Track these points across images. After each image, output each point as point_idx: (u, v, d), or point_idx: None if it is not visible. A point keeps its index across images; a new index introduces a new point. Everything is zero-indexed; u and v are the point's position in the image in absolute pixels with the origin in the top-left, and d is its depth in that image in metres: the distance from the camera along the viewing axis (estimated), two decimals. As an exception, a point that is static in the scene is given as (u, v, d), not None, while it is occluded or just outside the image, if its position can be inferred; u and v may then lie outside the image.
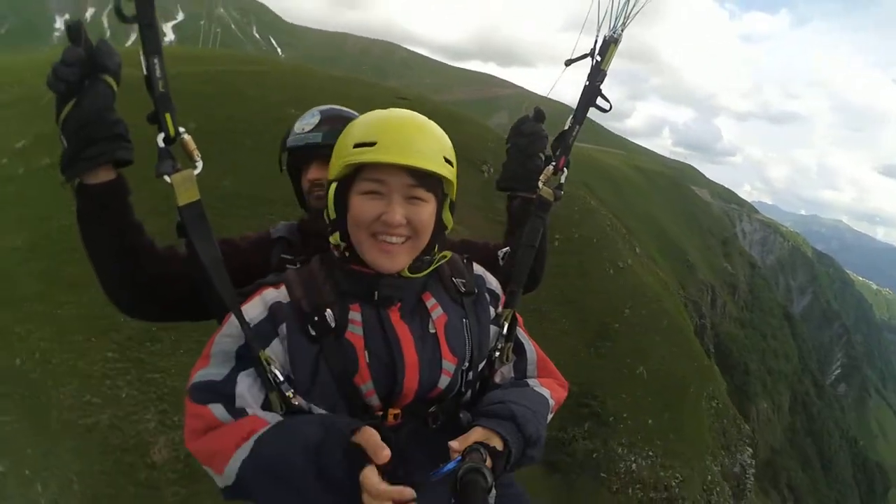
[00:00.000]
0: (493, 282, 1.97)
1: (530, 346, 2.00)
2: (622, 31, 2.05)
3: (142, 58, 1.55)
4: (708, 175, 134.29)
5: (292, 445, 1.41)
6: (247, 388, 1.56)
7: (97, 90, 1.58)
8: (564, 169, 2.15)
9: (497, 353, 1.89)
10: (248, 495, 1.53)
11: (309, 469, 1.39)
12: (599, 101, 2.11)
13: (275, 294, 1.67)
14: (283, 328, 1.62)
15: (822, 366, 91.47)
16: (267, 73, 23.60)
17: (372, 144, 1.60)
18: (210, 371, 1.58)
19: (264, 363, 1.56)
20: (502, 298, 1.97)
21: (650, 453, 16.36)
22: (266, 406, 1.57)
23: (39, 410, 10.32)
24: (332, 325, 1.62)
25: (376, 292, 1.68)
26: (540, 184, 2.13)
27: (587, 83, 2.10)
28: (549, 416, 1.87)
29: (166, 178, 1.61)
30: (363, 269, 1.70)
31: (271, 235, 2.23)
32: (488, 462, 1.51)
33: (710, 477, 16.91)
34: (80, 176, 1.64)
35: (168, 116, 1.60)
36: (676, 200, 67.05)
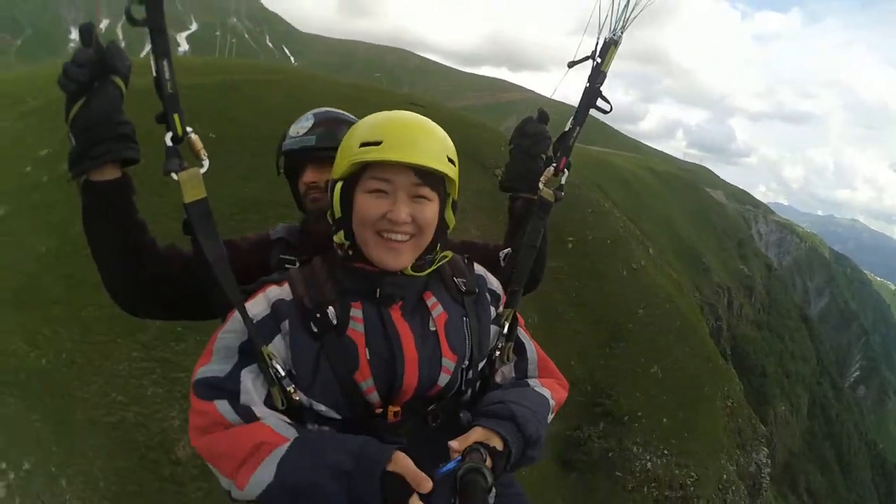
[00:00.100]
0: (493, 282, 1.99)
1: (531, 346, 2.02)
2: (622, 33, 2.09)
3: (151, 60, 1.60)
4: (723, 176, 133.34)
5: (321, 470, 1.42)
6: (251, 383, 1.58)
7: (106, 91, 1.64)
8: (565, 170, 2.18)
9: (497, 353, 1.91)
10: None
11: (341, 497, 1.40)
12: (600, 102, 2.14)
13: (278, 291, 1.70)
14: (285, 324, 1.65)
15: (840, 368, 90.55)
16: (283, 82, 23.84)
17: (378, 143, 1.64)
18: (213, 367, 1.60)
19: (266, 358, 1.58)
20: (503, 298, 1.99)
21: (665, 452, 16.37)
22: (268, 401, 1.60)
23: (65, 409, 10.48)
24: (334, 322, 1.64)
25: (378, 290, 1.71)
26: (541, 185, 2.15)
27: (587, 85, 2.13)
28: (550, 417, 1.88)
29: (173, 175, 1.65)
30: (366, 267, 1.73)
31: (271, 237, 2.26)
32: (488, 462, 1.53)
33: (725, 476, 16.89)
34: (87, 173, 1.70)
35: (176, 117, 1.64)
36: (691, 202, 66.66)
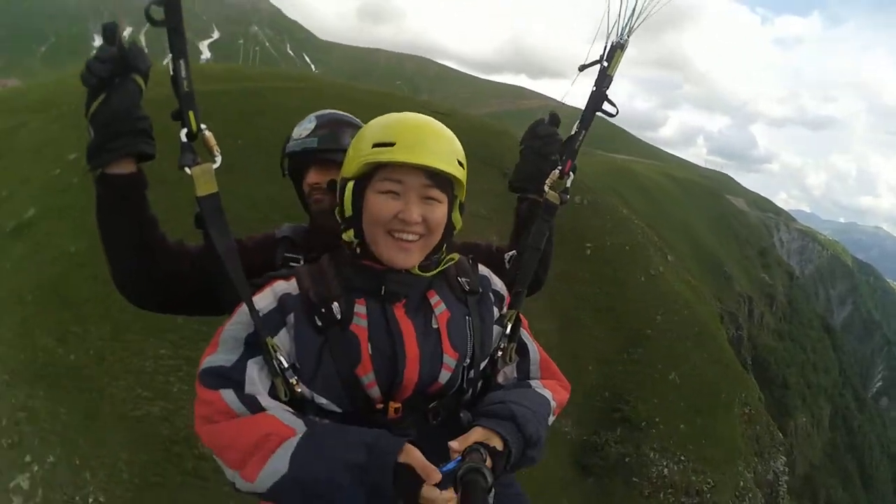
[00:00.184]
0: (498, 283, 2.01)
1: (533, 348, 2.03)
2: (628, 37, 2.09)
3: (169, 60, 1.63)
4: (744, 184, 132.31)
5: (335, 463, 1.45)
6: (256, 374, 1.60)
7: (127, 88, 1.68)
8: (570, 173, 2.18)
9: (500, 353, 1.92)
10: (275, 501, 1.57)
11: (357, 489, 1.43)
12: (606, 106, 2.15)
13: (285, 286, 1.72)
14: (290, 318, 1.68)
15: (863, 379, 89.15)
16: (304, 89, 24.15)
17: (391, 145, 1.66)
18: (219, 357, 1.63)
19: (271, 350, 1.61)
20: (507, 299, 2.00)
21: (682, 458, 16.33)
22: (272, 392, 1.62)
23: (92, 403, 10.71)
24: (338, 317, 1.67)
25: (383, 287, 1.73)
26: (546, 188, 2.17)
27: (594, 88, 2.14)
28: (552, 418, 1.88)
29: (187, 169, 1.69)
30: (373, 265, 1.75)
31: (276, 236, 2.28)
32: (488, 462, 1.54)
33: (742, 483, 16.78)
34: (104, 166, 1.74)
35: (191, 114, 1.68)
36: (712, 210, 66.15)
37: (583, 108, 2.16)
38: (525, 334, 2.01)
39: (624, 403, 17.29)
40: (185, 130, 1.69)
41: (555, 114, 2.34)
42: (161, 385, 11.05)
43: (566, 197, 2.16)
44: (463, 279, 1.89)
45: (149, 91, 1.73)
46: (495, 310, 1.94)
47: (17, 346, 11.34)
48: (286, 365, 1.62)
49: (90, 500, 9.68)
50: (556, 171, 2.17)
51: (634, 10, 2.05)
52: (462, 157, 1.78)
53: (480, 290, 1.92)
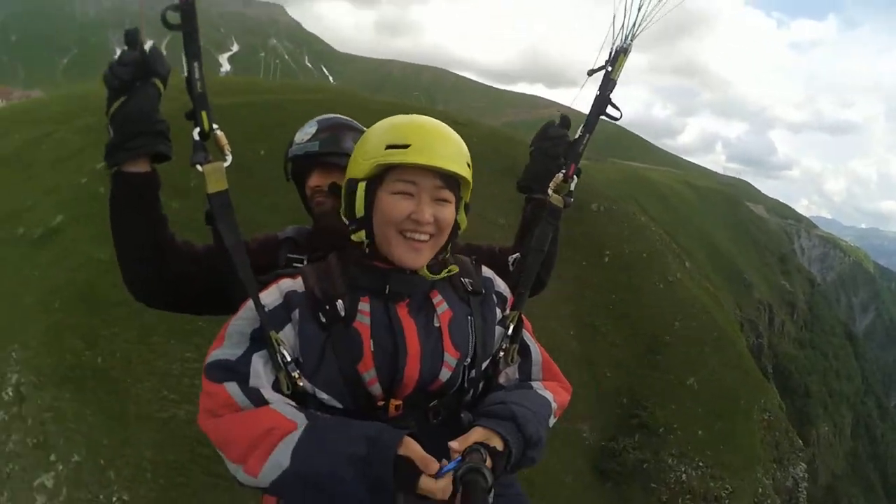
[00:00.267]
0: (501, 285, 2.03)
1: (535, 349, 2.03)
2: (631, 41, 2.13)
3: (184, 62, 1.69)
4: (763, 190, 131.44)
5: (337, 457, 1.47)
6: (261, 368, 1.63)
7: (147, 91, 1.74)
8: (574, 177, 2.20)
9: (501, 354, 1.94)
10: (277, 495, 1.64)
11: (360, 482, 1.45)
12: (610, 109, 2.17)
13: (291, 283, 1.75)
14: (295, 314, 1.70)
15: (885, 387, 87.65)
16: (324, 101, 24.42)
17: (405, 147, 1.69)
18: (225, 351, 1.65)
19: (275, 343, 1.63)
20: (510, 301, 2.02)
21: (700, 464, 16.27)
22: (276, 386, 1.64)
23: (118, 405, 10.81)
24: (342, 314, 1.70)
25: (387, 287, 1.76)
26: (550, 191, 2.18)
27: (598, 93, 2.17)
28: (553, 420, 1.89)
29: (198, 167, 1.73)
30: (379, 265, 1.78)
31: (279, 237, 2.30)
32: (488, 462, 1.54)
33: (761, 489, 16.66)
34: (121, 164, 1.79)
35: (204, 114, 1.73)
36: (731, 217, 65.79)
37: (602, 112, 2.20)
38: (527, 335, 2.03)
39: (642, 409, 17.26)
40: (197, 129, 1.74)
41: (565, 116, 2.35)
42: (187, 388, 11.14)
43: (570, 200, 2.18)
44: (466, 280, 1.92)
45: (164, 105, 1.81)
46: (498, 311, 1.96)
47: (45, 349, 11.48)
48: (289, 359, 1.66)
49: (114, 499, 9.78)
50: (560, 175, 2.19)
51: (638, 15, 2.08)
52: (469, 158, 1.81)
53: (483, 290, 1.94)
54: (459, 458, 1.52)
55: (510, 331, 1.95)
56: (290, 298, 1.72)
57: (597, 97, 2.16)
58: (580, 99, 2.20)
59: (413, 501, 1.47)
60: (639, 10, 2.07)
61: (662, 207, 47.59)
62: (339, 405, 1.69)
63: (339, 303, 1.71)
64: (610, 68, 2.14)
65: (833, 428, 48.77)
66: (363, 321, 1.71)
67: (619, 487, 15.80)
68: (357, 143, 1.86)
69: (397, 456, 1.47)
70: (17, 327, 12.02)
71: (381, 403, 1.71)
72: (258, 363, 1.63)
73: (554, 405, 1.90)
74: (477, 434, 1.62)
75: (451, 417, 1.77)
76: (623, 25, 2.10)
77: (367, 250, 1.79)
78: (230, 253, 1.72)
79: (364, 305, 1.73)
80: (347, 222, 1.82)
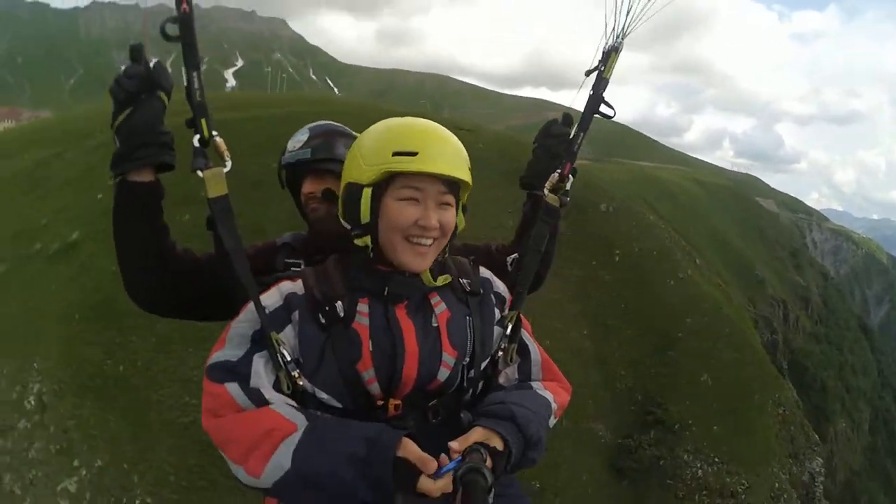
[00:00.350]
0: (499, 285, 2.05)
1: (535, 349, 2.05)
2: (622, 40, 2.18)
3: (183, 72, 1.75)
4: (772, 185, 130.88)
5: (337, 458, 1.49)
6: (262, 368, 1.66)
7: (152, 104, 1.79)
8: (570, 176, 2.24)
9: (500, 354, 1.96)
10: (279, 496, 1.65)
11: (360, 482, 1.47)
12: (604, 108, 2.22)
13: (291, 286, 1.78)
14: (295, 315, 1.73)
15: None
16: (330, 113, 24.62)
17: (413, 154, 1.71)
18: (226, 352, 1.68)
19: (275, 343, 1.66)
20: (508, 301, 2.04)
21: (716, 459, 16.18)
22: (276, 386, 1.67)
23: (139, 411, 10.94)
24: (341, 314, 1.72)
25: (386, 288, 1.78)
26: (546, 191, 2.23)
27: (591, 92, 2.21)
28: (553, 420, 1.90)
29: (199, 173, 1.78)
30: (383, 269, 1.81)
31: (276, 243, 2.34)
32: (488, 462, 1.56)
33: (777, 484, 16.54)
34: (127, 174, 1.84)
35: (203, 121, 1.79)
36: (741, 213, 65.53)
37: (596, 111, 2.25)
38: (526, 335, 2.04)
39: (656, 406, 17.21)
40: (197, 137, 1.80)
41: (568, 114, 2.38)
42: (208, 393, 11.24)
43: (566, 199, 2.22)
44: (464, 280, 1.94)
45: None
46: (496, 311, 1.99)
47: (65, 360, 11.63)
48: (289, 359, 1.68)
49: (137, 503, 9.90)
50: (556, 175, 2.23)
51: (627, 18, 2.14)
52: (468, 161, 1.85)
53: (482, 291, 1.97)
54: (459, 457, 1.54)
55: (509, 331, 1.97)
56: (290, 300, 1.75)
57: (590, 96, 2.21)
58: (579, 99, 2.27)
59: (412, 501, 1.49)
60: (628, 12, 2.15)
61: (672, 206, 47.49)
62: (338, 405, 1.72)
63: (339, 304, 1.74)
64: (602, 67, 2.19)
65: (851, 423, 48.33)
66: (362, 322, 1.74)
67: (635, 485, 15.78)
68: (352, 147, 1.89)
69: (396, 457, 1.49)
70: (37, 339, 12.22)
71: (380, 403, 1.73)
72: (259, 363, 1.66)
73: (554, 405, 1.92)
74: (477, 434, 1.64)
75: (450, 417, 1.79)
76: (615, 25, 2.16)
77: (370, 254, 1.81)
78: (231, 256, 1.76)
79: (363, 307, 1.76)
80: (350, 227, 1.83)
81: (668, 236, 25.11)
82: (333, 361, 1.70)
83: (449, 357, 1.79)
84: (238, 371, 1.64)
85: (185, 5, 1.70)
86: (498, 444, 1.63)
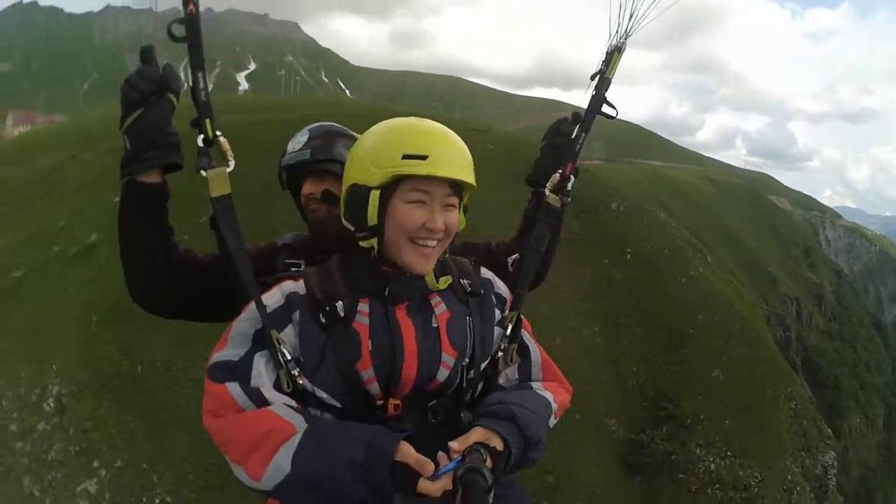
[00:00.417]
0: (500, 286, 2.03)
1: (535, 349, 2.04)
2: (625, 41, 2.18)
3: (189, 72, 1.76)
4: (786, 183, 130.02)
5: (336, 461, 1.49)
6: (263, 368, 1.65)
7: (161, 105, 1.79)
8: (571, 176, 2.23)
9: (500, 354, 1.95)
10: (280, 499, 1.64)
11: (359, 487, 1.47)
12: (605, 108, 2.22)
13: (293, 285, 1.77)
14: (296, 315, 1.72)
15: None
16: (343, 115, 24.82)
17: (423, 158, 1.69)
18: (227, 352, 1.67)
19: (275, 342, 1.65)
20: (509, 302, 2.02)
21: (728, 453, 16.27)
22: (276, 385, 1.66)
23: (157, 411, 11.09)
24: (342, 314, 1.71)
25: (387, 289, 1.77)
26: (547, 191, 2.22)
27: (593, 93, 2.21)
28: (553, 420, 1.89)
29: (202, 172, 1.76)
30: (387, 269, 1.80)
31: (277, 244, 2.33)
32: (488, 462, 1.54)
33: (790, 477, 16.64)
34: (136, 174, 1.84)
35: (207, 121, 1.77)
36: (754, 211, 65.25)
37: (598, 111, 2.24)
38: (526, 336, 2.03)
39: (668, 402, 17.31)
40: (201, 136, 1.78)
41: (577, 113, 2.34)
42: (224, 392, 11.39)
43: (567, 200, 2.21)
44: (465, 281, 1.92)
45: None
46: (497, 312, 1.97)
47: (83, 361, 11.78)
48: (290, 357, 1.67)
49: (157, 502, 10.05)
50: (557, 175, 2.22)
51: (632, 18, 2.12)
52: (472, 162, 1.84)
53: (482, 291, 1.95)
54: (459, 458, 1.54)
55: (509, 331, 1.97)
56: (291, 299, 1.74)
57: (592, 97, 2.22)
58: (587, 100, 2.25)
59: (412, 502, 1.49)
60: (631, 15, 2.14)
61: (684, 205, 47.44)
62: (337, 404, 1.72)
63: (339, 304, 1.73)
64: (605, 68, 2.21)
65: (865, 419, 47.92)
66: (362, 322, 1.73)
67: (648, 479, 15.88)
68: (353, 148, 1.88)
69: (394, 461, 1.49)
70: (56, 341, 12.41)
71: (379, 403, 1.73)
72: (260, 363, 1.66)
73: (554, 405, 1.91)
74: (477, 434, 1.63)
75: (450, 417, 1.78)
76: (619, 25, 2.16)
77: (375, 256, 1.81)
78: (233, 255, 1.76)
79: (363, 307, 1.76)
80: (353, 228, 1.82)
81: (680, 235, 25.15)
82: (333, 361, 1.69)
83: (448, 357, 1.78)
84: (239, 370, 1.64)
85: (191, 7, 1.71)
86: (498, 445, 1.63)
